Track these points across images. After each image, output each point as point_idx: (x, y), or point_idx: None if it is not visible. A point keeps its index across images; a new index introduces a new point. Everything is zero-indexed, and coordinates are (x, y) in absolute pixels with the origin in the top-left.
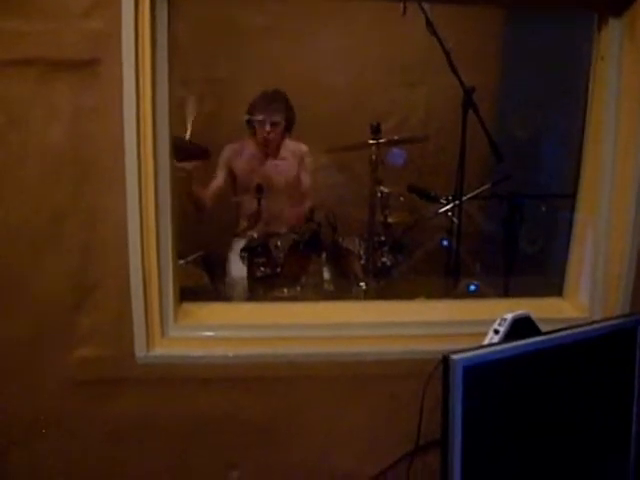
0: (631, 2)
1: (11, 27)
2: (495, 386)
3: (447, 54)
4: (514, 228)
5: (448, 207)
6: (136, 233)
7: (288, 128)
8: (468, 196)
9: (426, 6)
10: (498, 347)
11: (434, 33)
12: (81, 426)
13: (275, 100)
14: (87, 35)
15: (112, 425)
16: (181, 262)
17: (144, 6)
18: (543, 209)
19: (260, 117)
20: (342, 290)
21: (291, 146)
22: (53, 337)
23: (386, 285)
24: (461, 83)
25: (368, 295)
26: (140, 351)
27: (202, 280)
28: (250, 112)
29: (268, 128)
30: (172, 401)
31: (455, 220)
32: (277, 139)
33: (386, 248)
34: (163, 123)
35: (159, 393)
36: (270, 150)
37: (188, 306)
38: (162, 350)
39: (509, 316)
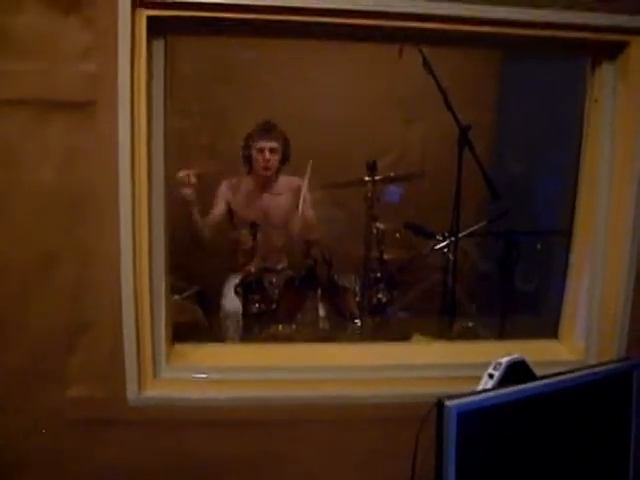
0: (624, 46)
1: (7, 67)
2: (489, 432)
3: (443, 92)
4: (510, 265)
5: (444, 244)
6: (129, 273)
7: (283, 160)
8: (464, 233)
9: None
10: (492, 393)
11: (430, 72)
12: (71, 466)
13: (272, 128)
14: (83, 77)
15: (102, 466)
16: (176, 297)
17: (140, 49)
18: (539, 247)
19: (258, 144)
20: (337, 327)
21: (287, 181)
22: (45, 376)
23: (381, 322)
24: (457, 121)
25: (363, 332)
26: (132, 392)
27: (196, 316)
28: (247, 144)
29: (268, 155)
30: (163, 443)
31: (451, 257)
32: (275, 168)
33: (382, 285)
34: (158, 164)
35: (151, 435)
36: (265, 183)
37: (181, 347)
38: (154, 392)
39: (504, 360)
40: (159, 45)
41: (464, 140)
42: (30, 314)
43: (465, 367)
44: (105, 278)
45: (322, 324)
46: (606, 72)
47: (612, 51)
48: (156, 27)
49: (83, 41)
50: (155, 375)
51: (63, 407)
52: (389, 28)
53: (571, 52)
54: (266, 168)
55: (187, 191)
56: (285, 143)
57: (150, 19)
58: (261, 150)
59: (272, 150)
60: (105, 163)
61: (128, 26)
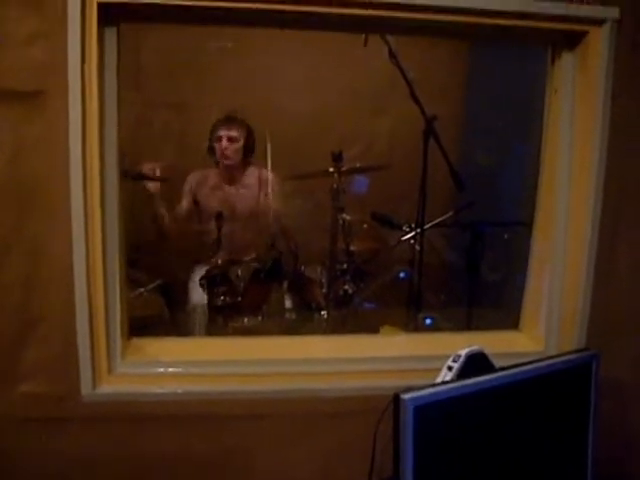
0: (583, 36)
1: None
2: (447, 424)
3: (409, 84)
4: (476, 256)
5: (410, 235)
6: (82, 266)
7: (249, 152)
8: (430, 224)
9: (389, 36)
10: (449, 385)
11: (396, 64)
12: (24, 464)
13: (233, 120)
14: (31, 64)
15: (56, 463)
16: (140, 290)
17: (91, 37)
18: (505, 237)
19: (217, 133)
20: (304, 319)
21: (255, 173)
22: None
23: (348, 314)
24: (422, 112)
25: (330, 324)
26: (86, 388)
27: (160, 309)
28: (210, 137)
29: (225, 143)
30: (120, 439)
31: (417, 248)
32: (235, 158)
33: (348, 276)
34: (111, 156)
35: (106, 431)
36: (232, 176)
37: (137, 341)
38: (109, 387)
39: (463, 352)
40: (111, 33)
41: (430, 131)
42: None
43: (428, 359)
44: (57, 272)
45: (288, 316)
46: (565, 62)
47: (571, 41)
48: (108, 15)
49: (30, 27)
50: (110, 370)
51: (15, 404)
52: (355, 16)
53: (531, 42)
54: (225, 157)
55: (152, 185)
56: (248, 134)
57: (101, 6)
58: (219, 139)
59: (230, 139)
60: (56, 155)
61: (78, 12)
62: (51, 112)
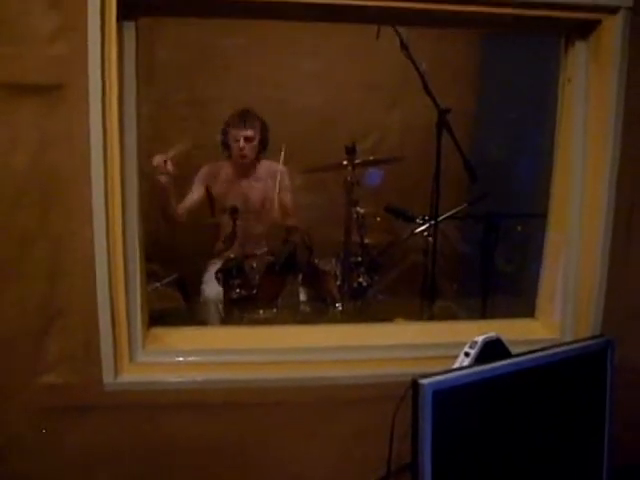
0: (596, 25)
1: None
2: (465, 409)
3: (422, 76)
4: (490, 248)
5: (424, 227)
6: (103, 259)
7: (262, 147)
8: (444, 216)
9: (401, 29)
10: (467, 371)
11: (409, 56)
12: (48, 453)
13: (248, 117)
14: (52, 60)
15: (79, 452)
16: (156, 284)
17: (110, 30)
18: (519, 228)
19: (233, 132)
20: (318, 311)
21: (268, 166)
22: (19, 363)
23: (362, 306)
24: (435, 104)
25: (344, 316)
26: (108, 377)
27: (177, 302)
28: (224, 132)
29: (242, 143)
30: (140, 427)
31: (431, 240)
32: (251, 156)
33: (362, 269)
34: (131, 148)
35: (127, 419)
36: (246, 169)
37: (157, 331)
38: (130, 376)
39: (480, 339)
40: (130, 28)
41: (443, 123)
42: (3, 301)
43: (444, 347)
44: (79, 264)
45: (303, 308)
46: (579, 51)
47: (584, 30)
48: (127, 9)
49: (52, 23)
50: (131, 359)
51: (39, 394)
52: (368, 8)
53: (544, 31)
54: (242, 156)
55: (163, 177)
56: (263, 130)
57: (120, 1)
58: (236, 139)
59: (247, 139)
60: (77, 148)
61: (97, 7)
62: (72, 106)
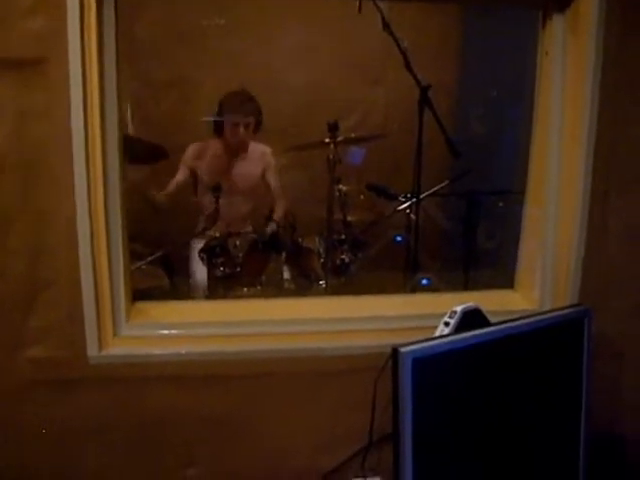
0: None
1: None
2: (445, 377)
3: (403, 53)
4: (472, 224)
5: (406, 205)
6: (86, 233)
7: (255, 129)
8: (426, 193)
9: (383, 5)
10: (447, 339)
11: (390, 33)
12: (34, 427)
13: (247, 100)
14: (32, 33)
15: (65, 425)
16: (141, 263)
17: (90, 4)
18: (501, 205)
19: (234, 118)
20: (302, 289)
21: (253, 147)
22: (3, 338)
23: (346, 283)
24: (417, 81)
25: (328, 293)
26: (92, 351)
27: (162, 281)
28: (220, 112)
29: (242, 130)
30: (126, 400)
31: (413, 217)
32: (247, 140)
33: (345, 246)
34: (112, 122)
35: (113, 392)
36: (235, 149)
37: (141, 305)
38: (114, 350)
39: (459, 308)
40: (109, 2)
41: (424, 100)
42: None
43: (425, 317)
44: (62, 239)
45: (287, 286)
46: (556, 24)
47: (561, 3)
48: None
49: None
50: (115, 333)
51: (23, 368)
52: None
53: (522, 4)
54: (239, 142)
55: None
56: (259, 113)
57: None
58: (235, 124)
59: (247, 125)
60: (58, 123)
61: None
62: (53, 80)
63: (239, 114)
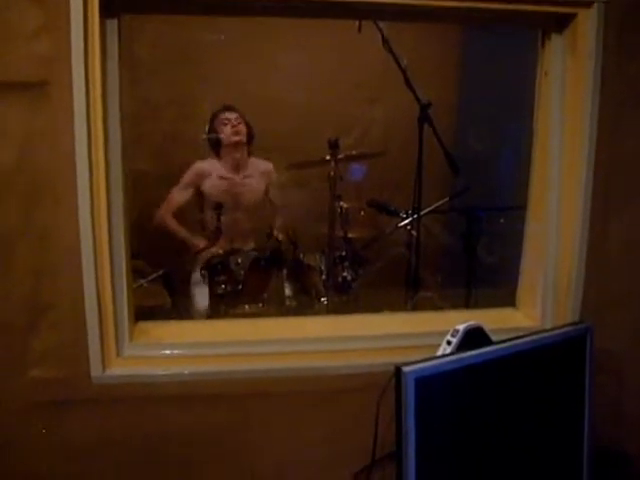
0: (571, 18)
1: None
2: (448, 397)
3: (403, 71)
4: (473, 241)
5: (407, 221)
6: (89, 254)
7: (249, 140)
8: (427, 210)
9: (382, 24)
10: (449, 358)
11: (390, 51)
12: (37, 447)
13: (231, 108)
14: (36, 57)
15: (68, 446)
16: (142, 281)
17: (93, 28)
18: (501, 221)
19: (221, 117)
20: (304, 306)
21: (257, 164)
22: (7, 359)
23: (347, 300)
24: (417, 98)
25: (330, 310)
26: (95, 371)
27: (163, 299)
28: (212, 126)
29: (234, 121)
30: (129, 421)
31: (414, 234)
32: (243, 135)
33: (347, 263)
34: (115, 144)
35: (116, 412)
36: (238, 165)
37: (144, 325)
38: (118, 370)
39: (461, 327)
40: (112, 25)
41: (424, 117)
42: None
43: (427, 336)
44: (65, 259)
45: (289, 303)
46: (555, 45)
47: (560, 24)
48: (109, 7)
49: (34, 20)
50: (119, 353)
51: (26, 388)
52: (348, 3)
53: (521, 25)
54: (236, 132)
55: None
56: (247, 124)
57: None
58: (227, 120)
59: (237, 119)
60: (61, 145)
61: (80, 4)
62: (57, 103)
63: (227, 112)
